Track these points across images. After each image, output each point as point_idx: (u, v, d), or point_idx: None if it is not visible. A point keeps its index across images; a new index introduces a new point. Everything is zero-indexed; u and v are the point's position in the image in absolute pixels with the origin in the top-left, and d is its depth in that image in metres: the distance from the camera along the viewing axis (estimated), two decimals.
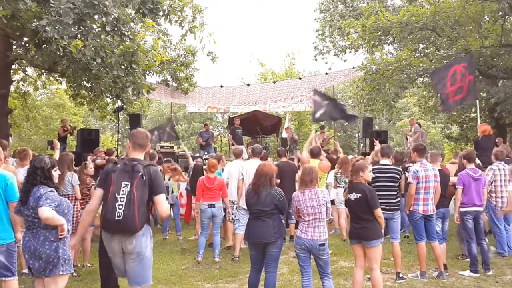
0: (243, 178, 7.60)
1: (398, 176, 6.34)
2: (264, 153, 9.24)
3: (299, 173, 8.63)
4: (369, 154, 10.33)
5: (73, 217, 5.68)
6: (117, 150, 16.77)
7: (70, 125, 15.17)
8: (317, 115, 9.22)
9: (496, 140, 10.15)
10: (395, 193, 6.31)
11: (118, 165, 3.91)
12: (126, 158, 4.14)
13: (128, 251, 3.80)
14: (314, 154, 8.25)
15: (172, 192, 9.34)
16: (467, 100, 10.79)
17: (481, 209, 6.80)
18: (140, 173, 3.77)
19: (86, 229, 7.05)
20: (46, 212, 3.96)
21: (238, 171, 7.75)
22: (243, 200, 7.50)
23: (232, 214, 8.01)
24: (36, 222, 4.08)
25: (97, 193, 3.98)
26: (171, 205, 9.34)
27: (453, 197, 7.18)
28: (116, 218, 3.67)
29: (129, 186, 3.73)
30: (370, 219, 5.07)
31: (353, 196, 5.10)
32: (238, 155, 8.27)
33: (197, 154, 16.36)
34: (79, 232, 4.30)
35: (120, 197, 3.70)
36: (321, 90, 11.42)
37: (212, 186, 7.42)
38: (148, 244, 3.89)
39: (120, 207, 3.67)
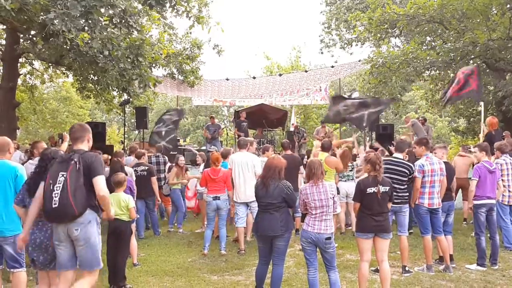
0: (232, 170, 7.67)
1: (407, 171, 6.30)
2: (265, 146, 9.27)
3: (301, 168, 8.69)
4: (374, 147, 10.32)
5: None
6: (123, 143, 16.86)
7: (58, 138, 14.92)
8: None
9: (504, 134, 10.10)
10: (403, 187, 6.29)
11: (57, 159, 4.05)
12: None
13: (74, 237, 3.88)
14: (325, 148, 8.24)
15: (167, 182, 9.38)
16: (472, 95, 10.79)
17: (494, 201, 6.80)
18: (73, 161, 3.89)
19: None
20: None
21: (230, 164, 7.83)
22: (236, 194, 7.57)
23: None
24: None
25: (40, 187, 4.07)
26: (166, 196, 9.39)
27: (459, 190, 7.16)
28: (53, 206, 3.79)
29: (65, 175, 3.85)
30: (387, 212, 5.21)
31: (383, 188, 5.09)
32: (243, 146, 8.21)
33: (203, 148, 16.40)
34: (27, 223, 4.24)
35: (56, 186, 3.82)
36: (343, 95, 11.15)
37: (216, 178, 7.46)
38: (95, 231, 3.99)
39: (56, 195, 3.80)
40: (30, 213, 4.13)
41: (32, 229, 4.13)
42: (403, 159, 6.57)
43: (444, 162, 6.78)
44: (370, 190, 5.08)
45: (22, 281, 4.67)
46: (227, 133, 19.77)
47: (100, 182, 3.91)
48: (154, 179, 8.70)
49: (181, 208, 9.51)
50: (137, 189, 8.52)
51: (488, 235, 6.82)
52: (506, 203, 7.41)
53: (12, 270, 4.66)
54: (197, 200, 9.70)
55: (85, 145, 4.14)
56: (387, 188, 5.13)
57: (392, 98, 9.96)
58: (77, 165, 3.87)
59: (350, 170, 8.93)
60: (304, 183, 5.76)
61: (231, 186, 7.59)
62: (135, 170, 8.58)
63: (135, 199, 6.78)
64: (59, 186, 3.81)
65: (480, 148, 6.98)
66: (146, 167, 8.79)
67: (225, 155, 8.13)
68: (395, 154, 6.59)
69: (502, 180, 7.37)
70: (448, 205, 6.78)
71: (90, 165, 3.90)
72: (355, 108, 9.61)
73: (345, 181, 8.90)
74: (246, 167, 7.59)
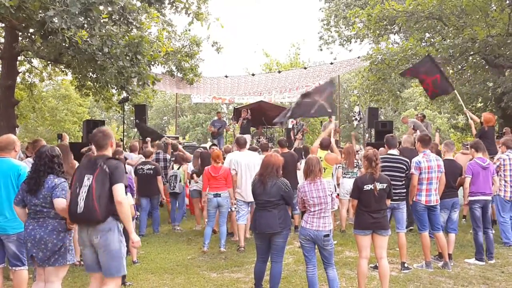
0: (235, 169, 7.67)
1: (405, 167, 6.33)
2: (264, 144, 9.27)
3: (299, 165, 8.69)
4: (373, 145, 10.32)
5: None
6: (122, 140, 16.85)
7: (57, 138, 14.82)
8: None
9: (504, 130, 10.11)
10: (401, 183, 6.31)
11: (84, 162, 4.11)
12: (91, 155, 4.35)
13: (95, 244, 3.93)
14: (324, 145, 8.25)
15: (180, 181, 9.38)
16: (442, 94, 10.79)
17: (489, 198, 6.84)
18: (100, 166, 3.93)
19: None
20: (62, 203, 4.06)
21: (230, 162, 7.81)
22: (240, 193, 7.59)
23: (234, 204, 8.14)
24: (45, 212, 4.12)
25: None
26: (177, 194, 9.39)
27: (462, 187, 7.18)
28: (78, 210, 3.84)
29: (90, 179, 3.89)
30: (385, 209, 5.21)
31: (380, 185, 5.09)
32: (243, 145, 8.20)
33: (203, 145, 16.42)
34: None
35: (82, 190, 3.87)
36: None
37: (217, 175, 7.46)
38: (116, 238, 4.00)
39: (81, 199, 3.85)
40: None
41: (32, 225, 4.14)
42: (398, 155, 6.59)
43: (449, 159, 6.80)
44: (367, 187, 5.08)
45: (24, 280, 4.68)
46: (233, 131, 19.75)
47: (119, 189, 3.94)
48: (159, 178, 8.87)
49: (183, 206, 9.54)
50: (143, 187, 8.63)
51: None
52: (508, 198, 7.43)
53: (14, 268, 4.66)
54: (190, 198, 9.78)
55: (109, 150, 4.20)
56: (385, 185, 5.14)
57: (331, 81, 9.46)
58: (103, 170, 3.92)
59: (355, 167, 8.87)
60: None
61: (232, 184, 7.61)
62: (141, 169, 8.75)
63: (134, 197, 6.79)
64: (85, 190, 3.86)
65: (470, 145, 7.05)
66: (152, 166, 8.92)
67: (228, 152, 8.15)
68: (390, 151, 6.59)
69: (504, 175, 7.40)
70: (452, 202, 6.73)
71: (113, 172, 3.95)
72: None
73: (349, 177, 8.75)
74: (252, 167, 7.55)
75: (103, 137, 4.17)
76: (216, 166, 7.54)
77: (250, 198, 7.44)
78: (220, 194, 7.45)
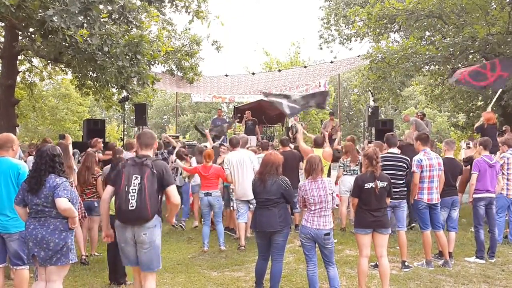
0: (228, 168, 7.66)
1: (405, 166, 6.34)
2: (264, 143, 9.25)
3: (301, 164, 8.68)
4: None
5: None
6: (122, 140, 16.86)
7: (60, 138, 14.85)
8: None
9: (504, 128, 10.10)
10: (401, 181, 6.31)
11: (129, 161, 4.26)
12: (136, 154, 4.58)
13: (140, 241, 4.10)
14: (318, 143, 8.25)
15: (181, 174, 9.37)
16: (491, 87, 10.81)
17: (494, 195, 6.83)
18: (150, 167, 4.11)
19: (93, 219, 7.16)
20: (65, 203, 4.07)
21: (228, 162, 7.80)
22: (236, 193, 7.62)
23: (232, 200, 8.25)
24: (46, 211, 4.10)
25: (109, 189, 4.29)
26: (179, 187, 9.37)
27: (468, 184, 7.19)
28: (130, 208, 4.02)
29: (139, 179, 4.08)
30: (386, 207, 5.21)
31: (381, 184, 5.09)
32: (236, 144, 8.15)
33: (203, 144, 16.39)
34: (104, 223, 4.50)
35: (132, 189, 4.05)
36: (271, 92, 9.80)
37: (208, 175, 7.48)
38: (159, 234, 4.23)
39: (133, 197, 4.03)
40: (103, 214, 4.43)
41: (33, 224, 4.13)
42: (398, 153, 6.59)
43: (449, 158, 6.80)
44: (368, 185, 5.08)
45: (25, 279, 4.68)
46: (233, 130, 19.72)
47: (174, 191, 4.22)
48: None
49: (186, 202, 9.52)
50: None
51: (487, 229, 6.86)
52: (511, 196, 7.43)
53: (15, 267, 4.66)
54: (191, 194, 9.79)
55: (151, 151, 4.40)
56: (385, 183, 5.14)
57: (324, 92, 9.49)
58: (153, 171, 4.09)
59: (356, 165, 8.83)
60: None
61: (226, 180, 7.70)
62: None
63: None
64: (135, 189, 4.04)
65: (479, 143, 7.04)
66: None
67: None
68: (390, 150, 6.59)
69: (507, 173, 7.40)
70: (452, 200, 6.73)
71: (163, 174, 4.15)
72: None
73: (350, 175, 8.70)
74: (243, 165, 7.56)
75: (151, 137, 4.41)
76: (206, 166, 7.55)
77: (245, 197, 7.45)
78: (211, 193, 7.47)
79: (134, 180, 4.06)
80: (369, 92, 17.36)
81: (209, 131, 13.14)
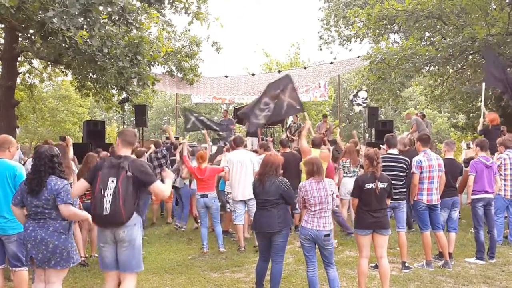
0: (227, 166, 7.68)
1: (405, 166, 6.34)
2: (263, 143, 9.24)
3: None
4: (374, 145, 10.31)
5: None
6: None
7: (60, 140, 14.83)
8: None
9: (502, 129, 10.11)
10: (401, 182, 6.31)
11: (106, 163, 4.15)
12: (114, 155, 4.45)
13: (120, 238, 4.03)
14: (316, 144, 8.24)
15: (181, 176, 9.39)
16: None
17: (492, 196, 6.83)
18: (125, 169, 4.00)
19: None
20: (69, 209, 4.10)
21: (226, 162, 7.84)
22: (233, 192, 7.61)
23: (228, 203, 8.24)
24: (46, 213, 4.09)
25: (81, 184, 4.25)
26: (178, 188, 9.37)
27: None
28: (104, 213, 3.93)
29: (115, 182, 3.97)
30: (386, 208, 5.21)
31: (381, 185, 5.09)
32: (239, 144, 8.14)
33: (204, 145, 16.37)
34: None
35: (107, 193, 3.95)
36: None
37: (203, 177, 7.46)
38: (139, 233, 4.15)
39: (108, 202, 3.93)
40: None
41: (32, 226, 4.11)
42: (398, 154, 6.58)
43: (450, 158, 6.80)
44: (368, 186, 5.08)
45: (24, 280, 4.68)
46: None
47: (159, 186, 4.14)
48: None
49: (186, 205, 9.53)
50: None
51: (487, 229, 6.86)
52: (509, 197, 7.44)
53: (14, 268, 4.66)
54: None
55: (130, 151, 4.31)
56: (386, 184, 5.14)
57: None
58: (128, 173, 3.99)
59: (356, 166, 8.77)
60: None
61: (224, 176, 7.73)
62: None
63: None
64: (110, 193, 3.94)
65: (476, 144, 7.05)
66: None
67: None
68: (390, 150, 6.58)
69: (504, 174, 7.40)
70: (452, 201, 6.72)
71: (142, 175, 4.05)
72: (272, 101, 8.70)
73: (351, 176, 8.52)
74: (244, 165, 7.57)
75: (133, 136, 4.33)
76: (201, 168, 7.52)
77: (243, 197, 7.45)
78: (207, 195, 7.44)
79: (110, 183, 3.96)
80: (355, 97, 17.18)
81: (219, 133, 13.15)
